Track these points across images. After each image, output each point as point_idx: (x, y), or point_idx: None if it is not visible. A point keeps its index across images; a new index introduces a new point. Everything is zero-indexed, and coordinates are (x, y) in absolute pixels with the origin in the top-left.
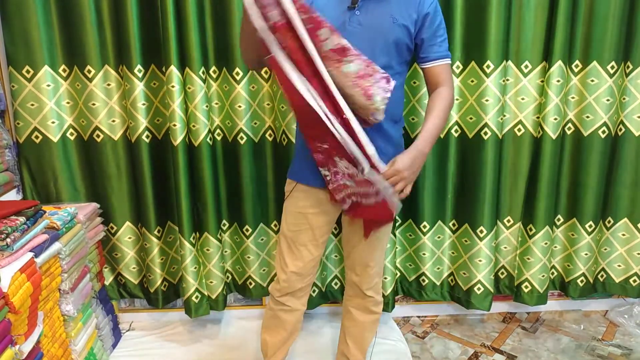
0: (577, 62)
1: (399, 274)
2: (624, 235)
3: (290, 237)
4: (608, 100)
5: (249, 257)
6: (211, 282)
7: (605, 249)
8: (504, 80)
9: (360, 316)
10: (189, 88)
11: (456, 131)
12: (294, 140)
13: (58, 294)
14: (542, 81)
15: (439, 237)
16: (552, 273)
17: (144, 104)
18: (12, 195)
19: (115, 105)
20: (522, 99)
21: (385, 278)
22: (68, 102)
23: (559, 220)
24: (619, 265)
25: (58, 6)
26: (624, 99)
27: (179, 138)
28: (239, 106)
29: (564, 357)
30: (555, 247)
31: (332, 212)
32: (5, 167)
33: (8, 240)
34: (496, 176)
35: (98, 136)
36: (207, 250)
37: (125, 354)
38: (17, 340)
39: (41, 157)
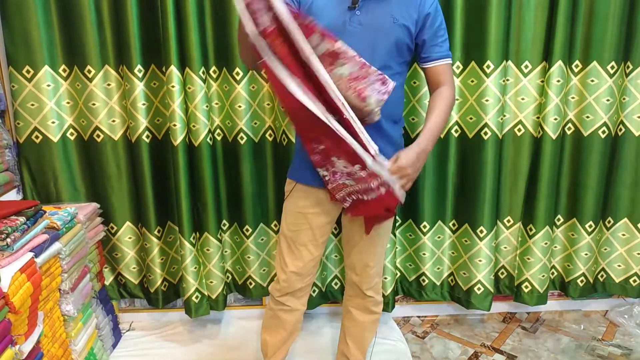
0: (577, 62)
1: (399, 274)
2: (624, 235)
3: (290, 237)
4: (608, 100)
5: (249, 257)
6: (211, 282)
7: (605, 249)
8: (504, 80)
9: (360, 316)
10: (189, 88)
11: (456, 131)
12: (294, 140)
13: (58, 294)
14: (542, 81)
15: (439, 237)
16: (552, 273)
17: (144, 104)
18: (12, 195)
19: (116, 105)
20: (522, 99)
21: (385, 278)
22: (68, 102)
23: (559, 220)
24: (619, 265)
25: (58, 6)
26: (624, 99)
27: (179, 138)
28: (239, 106)
29: (564, 357)
30: (555, 247)
31: (332, 212)
32: (5, 167)
33: (8, 240)
34: (496, 176)
35: (98, 136)
36: (207, 250)
37: (125, 354)
38: (17, 340)
39: (41, 157)
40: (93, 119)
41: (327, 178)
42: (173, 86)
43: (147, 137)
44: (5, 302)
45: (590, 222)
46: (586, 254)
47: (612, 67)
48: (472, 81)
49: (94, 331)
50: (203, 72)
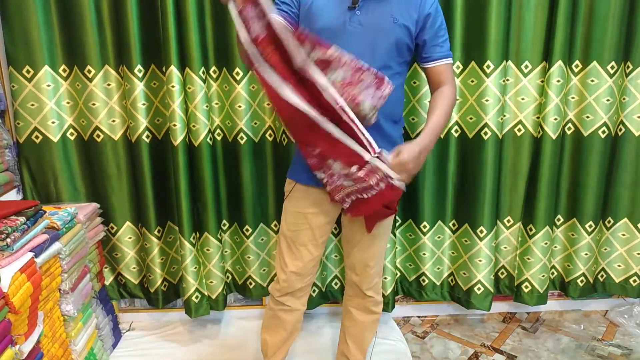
0: (577, 62)
1: (399, 274)
2: (624, 235)
3: (290, 237)
4: (608, 100)
5: (249, 257)
6: (211, 282)
7: (605, 249)
8: (504, 80)
9: (360, 316)
10: (189, 88)
11: (456, 131)
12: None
13: (58, 294)
14: (542, 81)
15: (439, 237)
16: (552, 273)
17: (144, 104)
18: (12, 195)
19: (115, 105)
20: (522, 99)
21: (385, 278)
22: (68, 102)
23: (559, 220)
24: (619, 265)
25: (58, 6)
26: (624, 99)
27: (179, 138)
28: (239, 106)
29: (564, 357)
30: (555, 247)
31: (331, 212)
32: (5, 167)
33: (8, 240)
34: (496, 176)
35: (98, 136)
36: (207, 250)
37: (125, 354)
38: (17, 340)
39: (41, 157)
40: (93, 119)
41: (325, 180)
42: (173, 86)
43: (147, 137)
44: (5, 302)
45: (590, 222)
46: (586, 254)
47: (612, 67)
48: (472, 81)
49: (94, 331)
50: (203, 72)
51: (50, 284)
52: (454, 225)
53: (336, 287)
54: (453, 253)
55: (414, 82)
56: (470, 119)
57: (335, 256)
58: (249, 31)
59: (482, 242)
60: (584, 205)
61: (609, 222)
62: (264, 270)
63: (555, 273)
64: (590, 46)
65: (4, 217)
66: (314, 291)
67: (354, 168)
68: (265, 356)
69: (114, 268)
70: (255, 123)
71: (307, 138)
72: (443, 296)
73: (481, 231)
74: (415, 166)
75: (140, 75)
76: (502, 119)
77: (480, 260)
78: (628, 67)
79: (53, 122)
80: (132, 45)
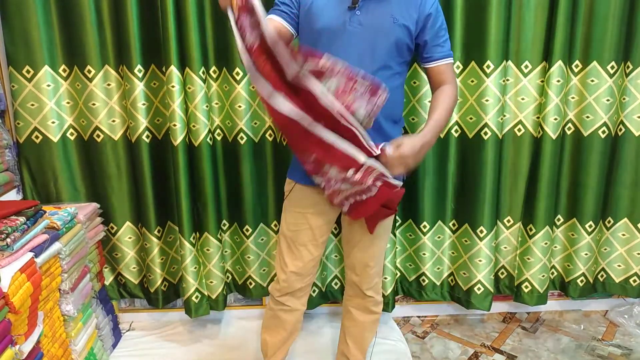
0: (577, 62)
1: (399, 274)
2: (624, 235)
3: (289, 237)
4: (608, 100)
5: (249, 257)
6: (211, 282)
7: (605, 249)
8: (504, 80)
9: (360, 316)
10: (189, 88)
11: (456, 131)
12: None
13: (58, 294)
14: (542, 81)
15: (439, 237)
16: (552, 273)
17: (144, 104)
18: (12, 195)
19: (115, 105)
20: (522, 99)
21: (385, 278)
22: (68, 102)
23: (559, 220)
24: (619, 265)
25: (58, 6)
26: (624, 99)
27: (179, 138)
28: (239, 106)
29: (564, 357)
30: (555, 247)
31: (331, 212)
32: (5, 167)
33: (8, 240)
34: (496, 176)
35: (98, 136)
36: (207, 250)
37: (125, 354)
38: (17, 340)
39: (41, 157)
40: (93, 119)
41: (322, 185)
42: (173, 86)
43: (147, 137)
44: (5, 302)
45: (590, 222)
46: (586, 254)
47: (612, 67)
48: (472, 81)
49: (94, 331)
50: (203, 72)
51: (50, 284)
52: (454, 225)
53: (336, 287)
54: (453, 253)
55: (414, 82)
56: (470, 119)
57: (335, 256)
58: (243, 39)
59: (482, 242)
60: (584, 205)
61: (609, 222)
62: (264, 270)
63: (555, 273)
64: (590, 46)
65: (4, 217)
66: (314, 291)
67: (350, 172)
68: (265, 356)
69: (114, 268)
70: (255, 123)
71: (302, 145)
72: (443, 296)
73: (481, 231)
74: (414, 161)
75: (140, 75)
76: (502, 119)
77: (480, 260)
78: (628, 67)
79: (53, 122)
80: (132, 45)
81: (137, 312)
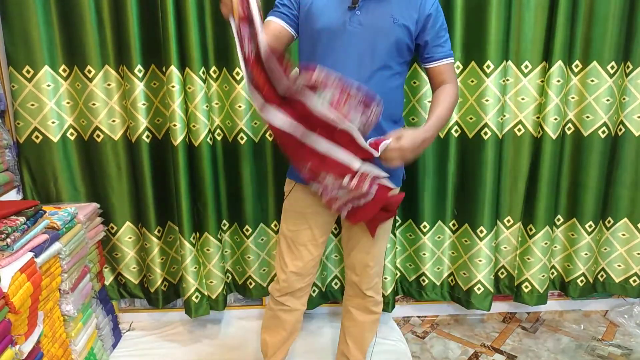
0: (577, 62)
1: (399, 274)
2: (624, 235)
3: (289, 237)
4: (608, 100)
5: (249, 257)
6: (211, 282)
7: (605, 249)
8: (504, 80)
9: (360, 316)
10: (189, 88)
11: (456, 131)
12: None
13: (58, 294)
14: (542, 81)
15: (439, 237)
16: (552, 273)
17: (144, 104)
18: (12, 195)
19: (116, 105)
20: (522, 99)
21: (385, 278)
22: (68, 102)
23: (559, 220)
24: (619, 265)
25: (58, 6)
26: (624, 99)
27: (179, 138)
28: (239, 106)
29: (564, 357)
30: (555, 247)
31: (331, 212)
32: (5, 167)
33: (8, 240)
34: (496, 176)
35: (98, 136)
36: (207, 250)
37: (126, 354)
38: (17, 340)
39: (41, 157)
40: (93, 119)
41: (320, 192)
42: (173, 86)
43: (147, 137)
44: (5, 302)
45: (590, 222)
46: (586, 254)
47: (612, 67)
48: (472, 81)
49: (94, 331)
50: (203, 72)
51: (50, 284)
52: (454, 225)
53: (336, 287)
54: (453, 253)
55: (414, 82)
56: (470, 119)
57: (335, 256)
58: (242, 48)
59: (482, 242)
60: (584, 205)
61: (609, 222)
62: (264, 270)
63: (555, 273)
64: (590, 46)
65: (4, 217)
66: (314, 291)
67: (346, 179)
68: (265, 356)
69: (114, 268)
70: (255, 123)
71: (297, 155)
72: (443, 296)
73: (481, 231)
74: (412, 155)
75: (140, 75)
76: (502, 119)
77: (480, 260)
78: (628, 67)
79: (53, 122)
80: (132, 45)
81: (137, 312)
